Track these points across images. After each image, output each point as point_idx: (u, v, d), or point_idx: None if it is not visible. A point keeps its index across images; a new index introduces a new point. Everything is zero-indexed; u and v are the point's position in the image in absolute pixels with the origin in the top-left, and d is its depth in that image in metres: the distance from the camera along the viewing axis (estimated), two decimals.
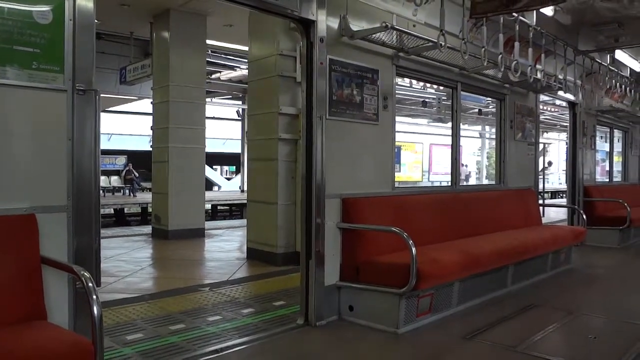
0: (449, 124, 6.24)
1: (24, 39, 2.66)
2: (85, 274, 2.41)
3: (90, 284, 2.35)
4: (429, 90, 17.08)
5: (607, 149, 11.22)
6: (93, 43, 2.94)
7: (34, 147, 2.76)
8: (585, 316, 4.54)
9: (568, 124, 9.23)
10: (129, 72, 11.22)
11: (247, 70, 9.53)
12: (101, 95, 2.99)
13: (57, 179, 2.83)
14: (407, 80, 12.97)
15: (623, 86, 8.82)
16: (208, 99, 12.59)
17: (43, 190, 2.79)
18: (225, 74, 15.65)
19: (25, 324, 2.50)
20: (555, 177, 34.85)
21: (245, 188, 13.12)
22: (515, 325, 4.25)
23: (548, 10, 6.66)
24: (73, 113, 2.85)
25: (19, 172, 2.71)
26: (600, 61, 8.13)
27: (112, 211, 18.06)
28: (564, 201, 15.74)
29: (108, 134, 27.63)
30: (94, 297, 2.31)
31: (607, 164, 11.47)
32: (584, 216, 7.34)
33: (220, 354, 3.52)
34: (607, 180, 11.22)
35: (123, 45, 11.97)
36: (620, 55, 9.14)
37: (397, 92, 5.14)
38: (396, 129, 5.05)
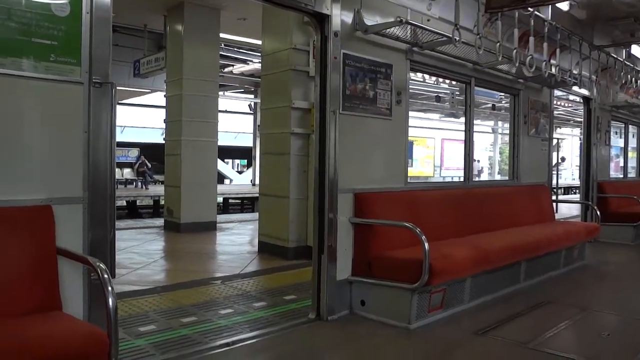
0: (462, 119, 6.21)
1: (42, 32, 2.68)
2: (101, 265, 2.44)
3: (105, 275, 2.37)
4: (442, 85, 17.00)
5: (622, 145, 11.11)
6: (109, 36, 2.96)
7: (51, 139, 2.79)
8: (598, 313, 4.51)
9: (582, 120, 9.15)
10: (142, 65, 11.27)
11: (259, 64, 9.55)
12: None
13: (73, 171, 2.86)
14: (419, 74, 12.91)
15: (639, 81, 8.71)
16: (220, 93, 12.60)
17: (59, 181, 2.82)
18: (238, 68, 15.67)
19: (40, 314, 2.52)
20: (568, 173, 34.61)
21: (257, 182, 13.15)
22: (528, 322, 4.23)
23: (563, 5, 6.59)
24: (89, 106, 2.87)
25: (36, 164, 2.74)
26: (615, 56, 8.03)
27: (124, 203, 18.17)
28: (577, 197, 15.62)
29: (121, 126, 27.74)
30: (109, 288, 2.33)
31: (621, 159, 11.36)
32: (598, 212, 7.27)
33: (232, 347, 3.53)
34: (622, 176, 11.12)
35: (137, 38, 12.01)
36: (636, 50, 9.03)
37: (409, 86, 5.11)
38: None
